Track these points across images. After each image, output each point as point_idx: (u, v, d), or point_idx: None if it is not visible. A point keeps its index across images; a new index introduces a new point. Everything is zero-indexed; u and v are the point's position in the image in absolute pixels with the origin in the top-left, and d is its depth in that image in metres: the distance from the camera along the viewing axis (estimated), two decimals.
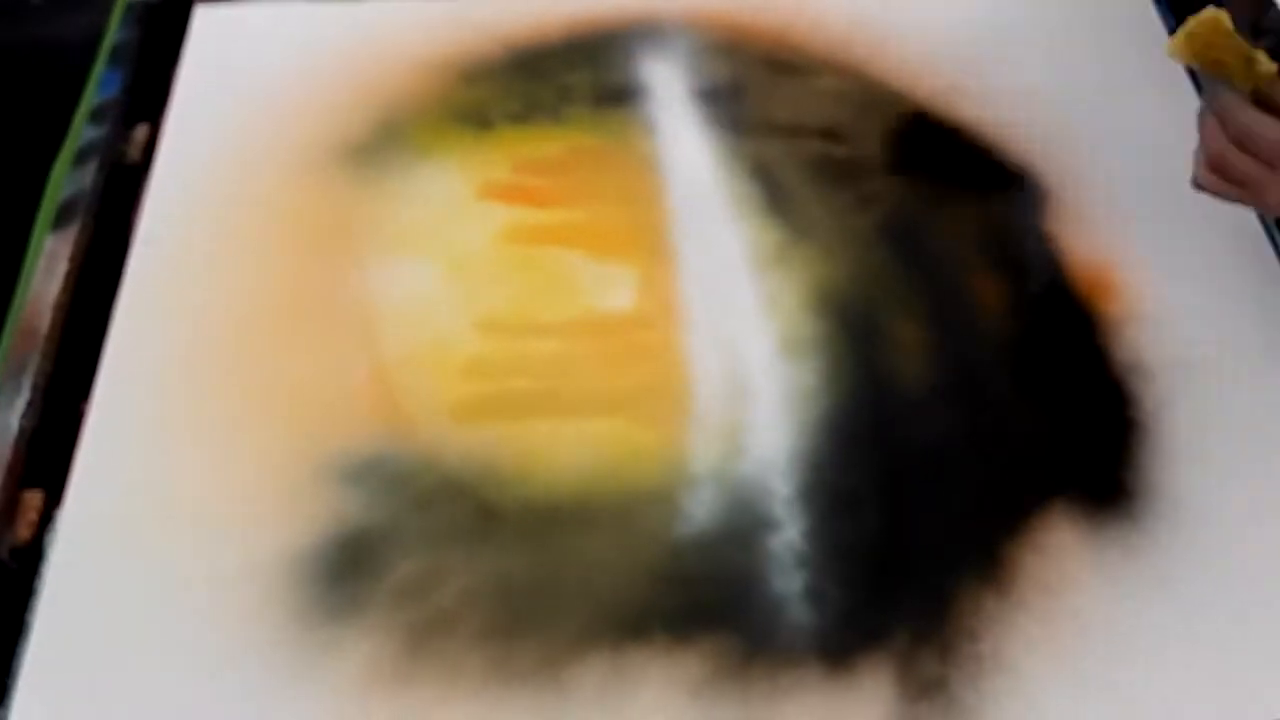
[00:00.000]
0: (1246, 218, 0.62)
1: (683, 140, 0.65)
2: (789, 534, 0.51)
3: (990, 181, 0.64)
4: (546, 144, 0.64)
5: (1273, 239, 0.62)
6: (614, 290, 0.58)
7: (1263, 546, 0.51)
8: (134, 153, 0.64)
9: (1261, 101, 0.49)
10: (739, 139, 0.65)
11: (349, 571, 0.49)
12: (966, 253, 0.61)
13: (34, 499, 0.51)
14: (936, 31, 0.70)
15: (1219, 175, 0.51)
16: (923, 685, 0.47)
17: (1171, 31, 0.70)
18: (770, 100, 0.67)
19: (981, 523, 0.52)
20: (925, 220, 0.62)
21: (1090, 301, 0.59)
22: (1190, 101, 0.67)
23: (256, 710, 0.46)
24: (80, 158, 0.62)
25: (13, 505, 0.50)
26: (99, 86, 0.66)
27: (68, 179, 0.61)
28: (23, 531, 0.50)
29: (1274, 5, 0.58)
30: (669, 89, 0.67)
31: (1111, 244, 0.61)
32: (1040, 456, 0.54)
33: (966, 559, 0.50)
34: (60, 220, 0.59)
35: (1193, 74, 0.68)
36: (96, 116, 0.64)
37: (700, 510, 0.51)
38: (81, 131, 0.64)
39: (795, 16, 0.70)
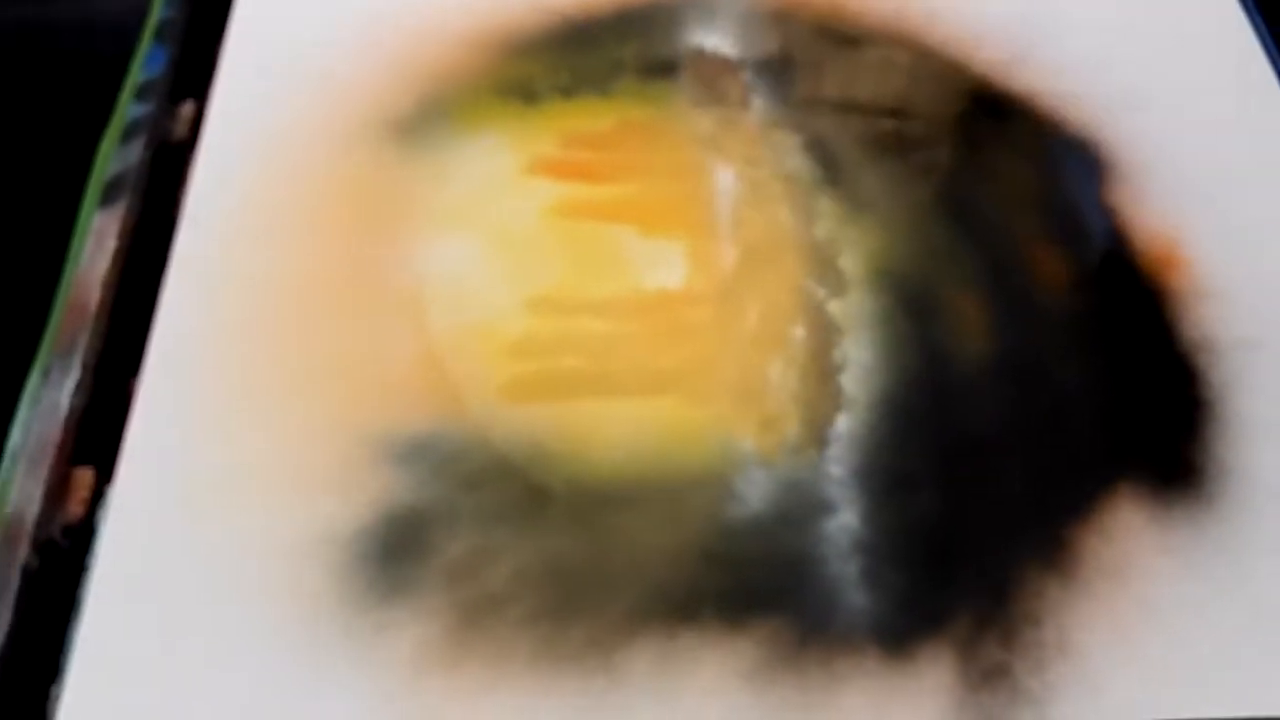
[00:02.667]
0: None
1: (735, 113, 0.63)
2: (844, 517, 0.50)
3: (1051, 153, 0.62)
4: (595, 118, 0.63)
5: None
6: (664, 266, 0.57)
7: None
8: (180, 130, 0.63)
9: None
10: (792, 112, 0.63)
11: (399, 552, 0.48)
12: (1027, 227, 0.59)
13: (85, 477, 0.51)
14: (995, 1, 0.68)
15: None
16: (984, 672, 0.46)
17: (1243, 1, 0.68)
18: (824, 72, 0.65)
19: (1044, 505, 0.50)
20: (984, 194, 0.60)
21: (1155, 276, 0.57)
22: (1260, 71, 0.65)
23: (308, 689, 0.45)
24: (126, 135, 0.62)
25: (64, 483, 0.50)
26: (144, 64, 0.65)
27: (114, 156, 0.61)
28: (75, 509, 0.50)
29: None
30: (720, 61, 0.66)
31: (1177, 217, 0.59)
32: (1105, 436, 0.52)
33: (1028, 542, 0.49)
34: (107, 198, 0.59)
35: (1263, 39, 0.66)
36: (142, 94, 0.64)
37: (752, 491, 0.50)
38: (127, 109, 0.63)
39: None
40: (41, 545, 0.48)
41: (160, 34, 0.67)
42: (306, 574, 0.48)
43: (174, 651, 0.46)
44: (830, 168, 0.61)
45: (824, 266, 0.57)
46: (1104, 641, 0.47)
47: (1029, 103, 0.63)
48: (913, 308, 0.56)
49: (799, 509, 0.50)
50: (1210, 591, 0.48)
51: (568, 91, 0.64)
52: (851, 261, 0.57)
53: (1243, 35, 0.67)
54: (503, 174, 0.61)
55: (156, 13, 0.68)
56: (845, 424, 0.52)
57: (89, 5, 0.79)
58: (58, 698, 0.45)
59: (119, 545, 0.48)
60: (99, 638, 0.46)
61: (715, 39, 0.67)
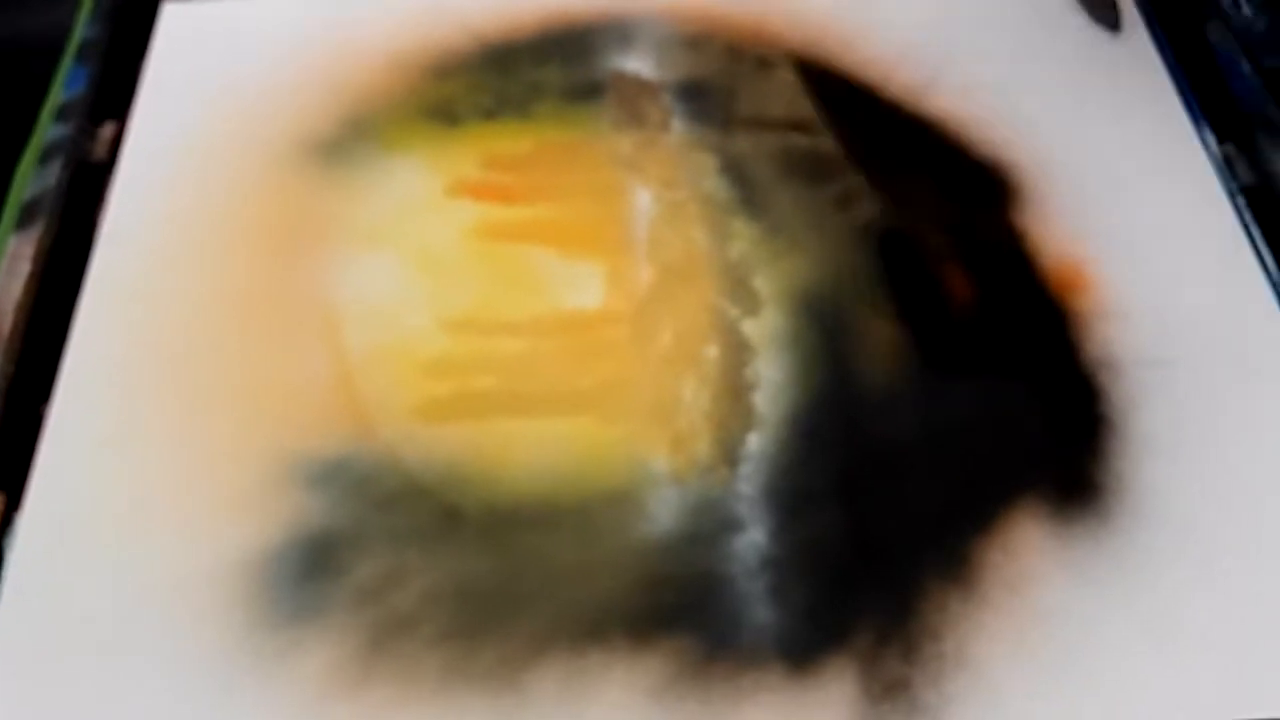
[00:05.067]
0: (1222, 214, 0.62)
1: (655, 135, 0.64)
2: (753, 534, 0.51)
3: (962, 177, 0.63)
4: (515, 140, 0.64)
5: (1249, 234, 0.61)
6: (582, 287, 0.58)
7: (1232, 544, 0.51)
8: (100, 151, 0.63)
9: None
10: (710, 134, 0.65)
11: (310, 573, 0.49)
12: (938, 248, 0.60)
13: None
14: (912, 26, 0.70)
15: None
16: (886, 685, 0.47)
17: (1148, 24, 0.70)
18: (743, 94, 0.66)
19: (947, 521, 0.51)
20: (897, 215, 0.61)
21: (1061, 297, 0.59)
22: (1166, 96, 0.67)
23: (217, 712, 0.45)
24: (45, 156, 0.62)
25: None
26: (65, 84, 0.65)
27: (32, 178, 0.61)
28: None
29: None
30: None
31: (1083, 240, 0.61)
32: (1008, 453, 0.53)
33: (931, 557, 0.50)
34: (24, 220, 0.59)
35: (1169, 64, 0.68)
36: (62, 114, 0.64)
37: (663, 510, 0.51)
38: (47, 129, 0.63)
39: (769, 10, 0.70)
40: None
41: (82, 54, 0.67)
42: (216, 597, 0.48)
43: (82, 675, 0.46)
44: (747, 189, 0.62)
45: (738, 286, 0.58)
46: (1002, 653, 0.48)
47: (940, 126, 0.65)
48: (824, 327, 0.57)
49: (709, 527, 0.51)
50: (1107, 604, 0.49)
51: (490, 113, 0.65)
52: (765, 281, 0.58)
53: (1149, 60, 0.68)
54: (423, 195, 0.62)
55: (78, 32, 0.68)
56: (756, 442, 0.53)
57: (14, 23, 0.79)
58: None
59: (27, 570, 0.48)
60: (5, 665, 0.46)
61: (637, 61, 0.68)
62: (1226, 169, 0.64)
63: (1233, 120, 0.66)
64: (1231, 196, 0.63)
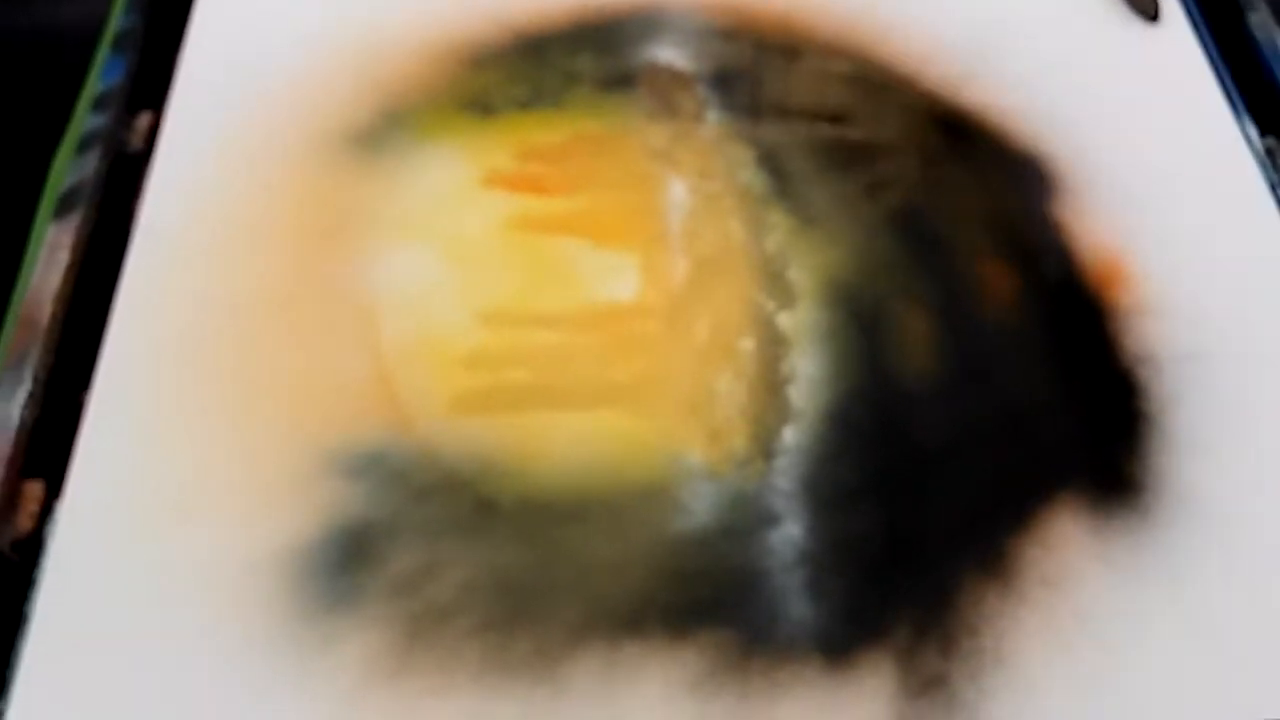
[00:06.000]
0: (1262, 206, 0.61)
1: (689, 126, 0.64)
2: (790, 528, 0.50)
3: (999, 168, 0.63)
4: (550, 130, 0.64)
5: None
6: (616, 279, 0.58)
7: (1272, 541, 0.51)
8: (136, 141, 0.64)
9: None
10: (745, 125, 0.64)
11: (347, 565, 0.49)
12: (975, 240, 0.60)
13: (35, 490, 0.51)
14: (946, 15, 0.69)
15: None
16: (923, 681, 0.47)
17: (1189, 15, 0.69)
18: (777, 86, 0.66)
19: (985, 516, 0.51)
20: (933, 208, 0.61)
21: (1100, 291, 0.58)
22: (1207, 87, 0.66)
23: (255, 701, 0.46)
24: (82, 146, 0.62)
25: (13, 496, 0.50)
26: (102, 74, 0.66)
27: (70, 168, 0.61)
28: (24, 523, 0.50)
29: None
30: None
31: (1123, 232, 0.60)
32: (1046, 449, 0.53)
33: (969, 553, 0.50)
34: (61, 210, 0.59)
35: (1209, 56, 0.67)
36: (99, 104, 0.64)
37: (699, 504, 0.51)
38: (84, 120, 0.63)
39: (801, 2, 0.69)
40: None
41: (118, 44, 0.67)
42: (254, 587, 0.48)
43: (123, 664, 0.46)
44: (782, 181, 0.62)
45: (773, 279, 0.58)
46: (1040, 650, 0.47)
47: (978, 117, 0.64)
48: (860, 321, 0.57)
49: (745, 521, 0.51)
50: (1145, 602, 0.49)
51: (524, 104, 0.65)
52: (801, 274, 0.58)
53: (1189, 52, 0.68)
54: (459, 186, 0.61)
55: (115, 23, 0.68)
56: (792, 436, 0.53)
57: (50, 14, 0.79)
58: (3, 713, 0.45)
59: (68, 559, 0.49)
60: (46, 652, 0.46)
61: (671, 52, 0.67)
62: (1269, 161, 0.63)
63: (1275, 112, 0.65)
64: (1273, 189, 0.62)
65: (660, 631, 0.47)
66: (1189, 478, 0.52)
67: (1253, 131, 0.64)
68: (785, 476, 0.52)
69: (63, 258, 0.57)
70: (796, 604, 0.48)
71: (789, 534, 0.50)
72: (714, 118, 0.64)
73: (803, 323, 0.57)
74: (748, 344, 0.56)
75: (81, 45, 0.68)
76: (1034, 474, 0.52)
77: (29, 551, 0.49)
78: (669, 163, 0.62)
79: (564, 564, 0.49)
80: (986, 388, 0.55)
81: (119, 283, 0.57)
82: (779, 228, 0.60)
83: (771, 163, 0.63)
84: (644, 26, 0.68)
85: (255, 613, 0.47)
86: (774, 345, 0.56)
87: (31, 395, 0.53)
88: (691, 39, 0.68)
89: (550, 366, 0.55)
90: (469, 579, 0.48)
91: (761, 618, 0.48)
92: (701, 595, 0.48)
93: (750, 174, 0.62)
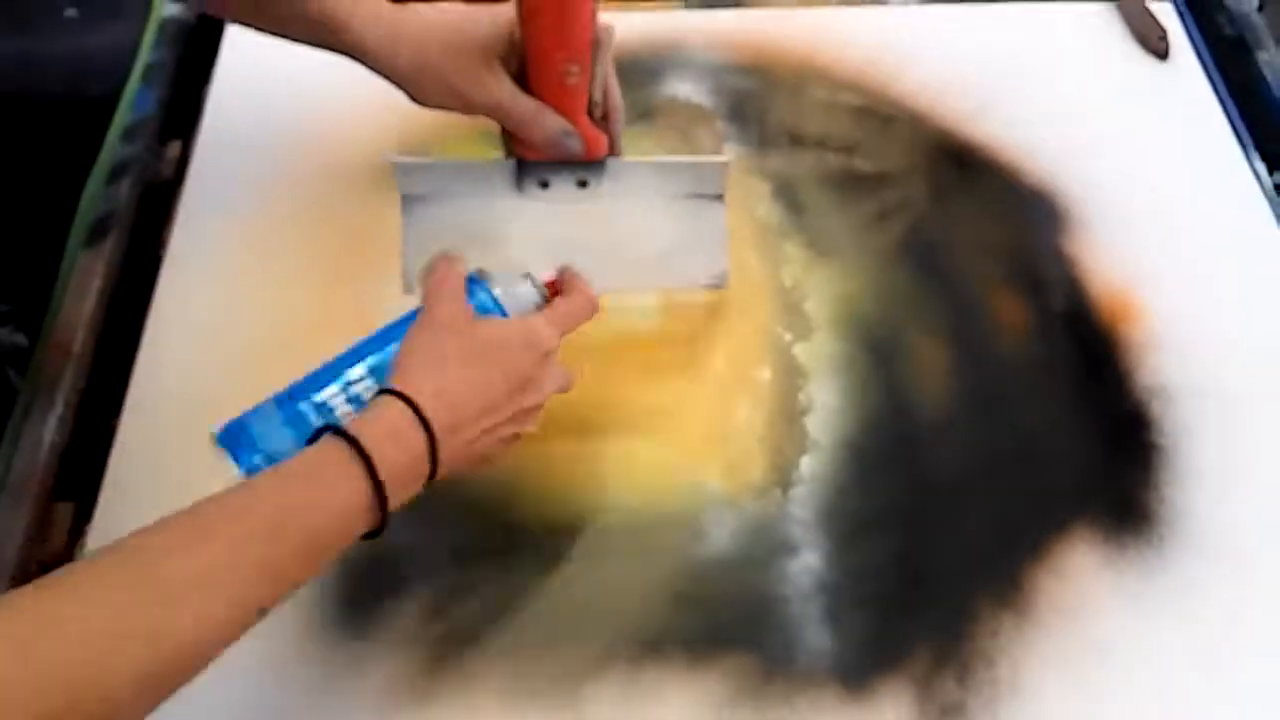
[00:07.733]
0: (1270, 242, 0.62)
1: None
2: (808, 557, 0.51)
3: (1011, 203, 0.64)
4: None
5: None
6: (638, 311, 0.59)
7: None
8: (166, 170, 0.65)
9: None
10: (763, 159, 0.65)
11: (374, 589, 0.50)
12: (988, 274, 0.61)
13: (65, 512, 0.52)
14: (959, 54, 0.70)
15: None
16: (941, 710, 0.47)
17: (1198, 53, 0.70)
18: (795, 121, 0.67)
19: (1001, 546, 0.52)
20: (947, 240, 0.62)
21: (1111, 325, 0.59)
22: (1218, 124, 0.67)
23: None
24: (113, 175, 0.63)
25: (45, 518, 0.51)
26: (133, 105, 0.67)
27: (100, 196, 0.62)
28: (55, 544, 0.51)
29: None
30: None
31: (1133, 267, 0.61)
32: (1060, 480, 0.54)
33: (985, 582, 0.51)
34: (93, 237, 0.60)
35: (1218, 93, 0.68)
36: (129, 134, 0.65)
37: (719, 532, 0.52)
38: (115, 149, 0.65)
39: (820, 40, 0.71)
40: (22, 579, 0.49)
41: (149, 75, 0.69)
42: (281, 613, 0.48)
43: None
44: (798, 214, 0.63)
45: (791, 310, 0.59)
46: (1056, 678, 0.48)
47: (990, 152, 0.66)
48: (876, 351, 0.58)
49: (764, 549, 0.51)
50: (1159, 630, 0.49)
51: None
52: (817, 305, 0.59)
53: (1200, 89, 0.69)
54: None
55: (145, 55, 0.70)
56: (809, 466, 0.54)
57: (76, 45, 0.80)
58: None
59: None
60: None
61: (690, 88, 0.69)
62: (1277, 197, 0.64)
63: None
64: None
65: (681, 657, 0.48)
66: (1202, 509, 0.53)
67: (1261, 167, 0.65)
68: (803, 506, 0.53)
69: (94, 284, 0.58)
70: (815, 631, 0.49)
71: (807, 563, 0.51)
72: (732, 152, 0.65)
73: (819, 353, 0.58)
74: (765, 374, 0.57)
75: (109, 75, 0.69)
76: (1048, 505, 0.53)
77: None
78: None
79: (587, 589, 0.50)
80: (1000, 419, 0.56)
81: (148, 310, 0.58)
82: (795, 260, 0.61)
83: (788, 196, 0.64)
84: (663, 63, 0.70)
85: (282, 638, 0.48)
86: (791, 376, 0.57)
87: (63, 419, 0.54)
88: (712, 75, 0.69)
89: (573, 395, 0.55)
90: (494, 604, 0.49)
91: (781, 645, 0.49)
92: (722, 621, 0.49)
93: (768, 207, 0.63)
